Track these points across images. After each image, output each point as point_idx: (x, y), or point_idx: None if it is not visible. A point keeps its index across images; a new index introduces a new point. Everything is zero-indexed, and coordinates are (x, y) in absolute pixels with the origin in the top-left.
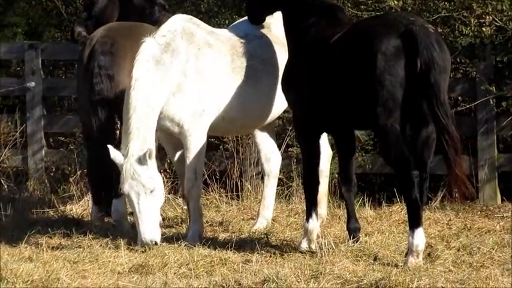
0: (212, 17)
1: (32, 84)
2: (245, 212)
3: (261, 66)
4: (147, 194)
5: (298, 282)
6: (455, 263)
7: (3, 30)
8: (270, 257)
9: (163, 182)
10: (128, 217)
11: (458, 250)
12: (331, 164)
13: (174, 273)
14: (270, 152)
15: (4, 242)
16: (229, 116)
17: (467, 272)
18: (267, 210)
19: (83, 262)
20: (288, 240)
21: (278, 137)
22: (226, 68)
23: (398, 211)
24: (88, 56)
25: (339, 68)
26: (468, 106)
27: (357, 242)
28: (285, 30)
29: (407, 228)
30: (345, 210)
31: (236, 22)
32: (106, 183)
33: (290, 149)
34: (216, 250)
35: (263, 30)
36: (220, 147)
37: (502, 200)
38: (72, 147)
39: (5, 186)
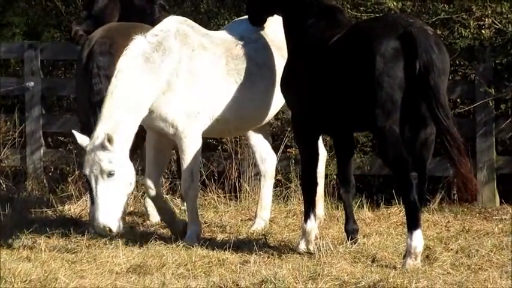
0: (211, 18)
1: (31, 84)
2: (243, 213)
3: (256, 69)
4: (104, 178)
5: (296, 283)
6: (453, 265)
7: (3, 30)
8: (268, 258)
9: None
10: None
11: (456, 252)
12: (329, 165)
13: (172, 274)
14: (265, 153)
15: (2, 241)
16: (224, 118)
17: (465, 275)
18: (264, 211)
19: (81, 262)
20: (286, 241)
21: (277, 138)
22: (221, 70)
23: (397, 213)
24: (87, 56)
25: (338, 70)
26: (467, 108)
27: (355, 243)
28: (285, 31)
29: (406, 230)
30: (343, 212)
31: (231, 23)
32: None
33: (288, 150)
34: (214, 251)
35: (258, 33)
36: (219, 147)
37: (501, 203)
38: (70, 147)
39: (4, 186)
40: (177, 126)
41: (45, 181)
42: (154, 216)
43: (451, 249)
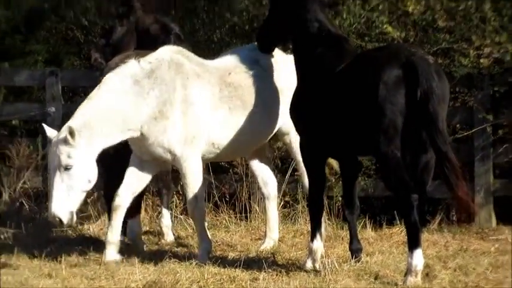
0: (224, 46)
1: (52, 109)
2: (253, 233)
3: (248, 96)
4: (61, 171)
5: None
6: (451, 282)
7: (25, 57)
8: (277, 275)
9: (170, 199)
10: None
11: (454, 270)
12: (335, 187)
13: None
14: (266, 177)
15: (25, 258)
16: (219, 142)
17: None
18: (273, 231)
19: (99, 279)
20: (294, 260)
21: (285, 162)
22: (215, 97)
23: (398, 233)
24: None
25: (343, 96)
26: (466, 133)
27: (358, 261)
28: (294, 59)
29: (407, 249)
30: (348, 232)
31: (227, 52)
32: None
33: (296, 173)
34: (225, 268)
35: (251, 63)
36: (230, 170)
37: (497, 223)
38: None
39: (26, 206)
40: (175, 152)
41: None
42: (169, 236)
43: (450, 268)
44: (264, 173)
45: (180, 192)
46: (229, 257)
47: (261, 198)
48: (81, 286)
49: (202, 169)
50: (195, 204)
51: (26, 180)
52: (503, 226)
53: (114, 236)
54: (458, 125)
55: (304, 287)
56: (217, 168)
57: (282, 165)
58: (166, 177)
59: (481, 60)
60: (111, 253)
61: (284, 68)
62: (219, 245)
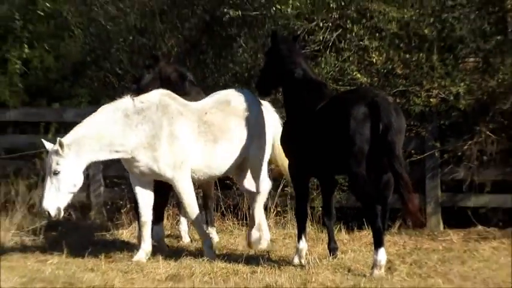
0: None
1: None
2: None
3: (219, 132)
4: (51, 175)
5: None
6: (408, 274)
7: (72, 99)
8: (271, 269)
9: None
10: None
11: (410, 264)
12: (316, 200)
13: (199, 281)
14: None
15: (73, 257)
16: (196, 168)
17: (417, 281)
18: (265, 233)
19: (131, 272)
20: (284, 257)
21: (276, 180)
22: (194, 132)
23: (366, 235)
24: None
25: (322, 129)
26: (419, 157)
27: (335, 258)
28: (283, 100)
29: (373, 248)
30: (326, 234)
31: (209, 96)
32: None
33: (286, 189)
34: (230, 263)
35: (225, 104)
36: (233, 187)
37: (444, 228)
38: (123, 186)
39: (74, 216)
40: (167, 176)
41: (104, 212)
42: (186, 238)
43: (407, 262)
44: (250, 190)
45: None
46: (233, 255)
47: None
48: (117, 278)
49: (191, 182)
50: (192, 214)
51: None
52: (449, 230)
53: (146, 245)
54: (413, 151)
55: (293, 278)
56: (224, 185)
57: (274, 182)
58: None
59: (431, 100)
60: (141, 255)
61: (254, 109)
62: (225, 245)
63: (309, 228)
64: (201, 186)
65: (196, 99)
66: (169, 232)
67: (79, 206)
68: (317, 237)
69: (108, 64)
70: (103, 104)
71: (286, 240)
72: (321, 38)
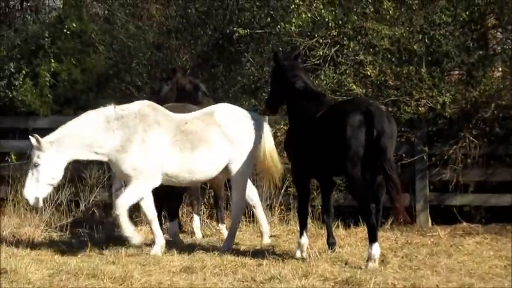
0: (237, 100)
1: None
2: (258, 232)
3: (197, 141)
4: (33, 167)
5: (294, 279)
6: (400, 266)
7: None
8: (275, 261)
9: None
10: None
11: (402, 258)
12: (316, 199)
13: (210, 273)
14: (248, 191)
15: (96, 251)
16: (172, 173)
17: (408, 273)
18: (265, 229)
19: (149, 264)
20: (287, 251)
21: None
22: (168, 140)
23: (362, 231)
24: None
25: (322, 135)
26: (409, 160)
27: (333, 252)
28: (287, 109)
29: (368, 242)
30: (326, 231)
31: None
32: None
33: (289, 189)
34: (239, 257)
35: (206, 115)
36: None
37: (432, 224)
38: None
39: (97, 214)
40: (132, 176)
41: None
42: (198, 234)
43: (399, 256)
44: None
45: (206, 203)
46: (241, 249)
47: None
48: (136, 270)
49: (150, 188)
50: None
51: (96, 195)
52: (437, 226)
53: (159, 239)
54: (403, 154)
55: (295, 270)
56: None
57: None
58: (197, 191)
59: (419, 108)
60: (157, 249)
61: (235, 120)
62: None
63: (310, 224)
64: (212, 187)
65: None
66: (183, 228)
67: (102, 204)
68: (317, 233)
69: (129, 77)
70: None
71: (289, 236)
72: (321, 53)
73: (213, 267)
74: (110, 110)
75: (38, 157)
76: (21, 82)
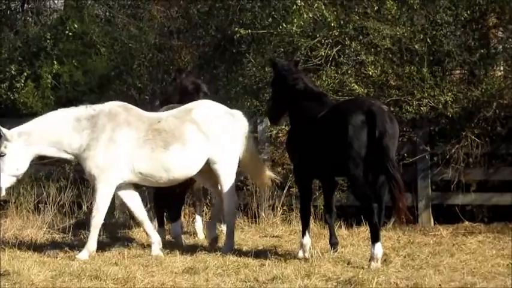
0: (239, 101)
1: None
2: (260, 232)
3: (171, 139)
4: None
5: (296, 279)
6: (402, 266)
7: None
8: (278, 261)
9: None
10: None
11: (404, 257)
12: (318, 199)
13: (213, 273)
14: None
15: (99, 252)
16: (146, 172)
17: (410, 272)
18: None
19: (151, 266)
20: (290, 251)
21: (283, 181)
22: (138, 139)
23: (364, 231)
24: None
25: (324, 135)
26: (411, 160)
27: (336, 251)
28: (289, 110)
29: (370, 242)
30: (328, 230)
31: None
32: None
33: (291, 189)
34: (241, 257)
35: (182, 114)
36: (244, 188)
37: (434, 223)
38: (144, 188)
39: None
40: (93, 174)
41: (127, 212)
42: (201, 235)
43: (401, 255)
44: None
45: (208, 204)
46: (244, 249)
47: (266, 208)
48: (138, 271)
49: (111, 190)
50: (94, 216)
51: None
52: (439, 225)
53: (154, 237)
54: (405, 154)
55: (297, 270)
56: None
57: (281, 184)
58: (199, 193)
59: (421, 108)
60: (155, 248)
61: (214, 117)
62: (236, 241)
63: (312, 224)
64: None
65: None
66: (185, 229)
67: None
68: (319, 233)
69: (130, 78)
70: None
71: (292, 236)
72: (322, 53)
73: (215, 267)
74: (81, 109)
75: (5, 147)
76: (22, 84)
